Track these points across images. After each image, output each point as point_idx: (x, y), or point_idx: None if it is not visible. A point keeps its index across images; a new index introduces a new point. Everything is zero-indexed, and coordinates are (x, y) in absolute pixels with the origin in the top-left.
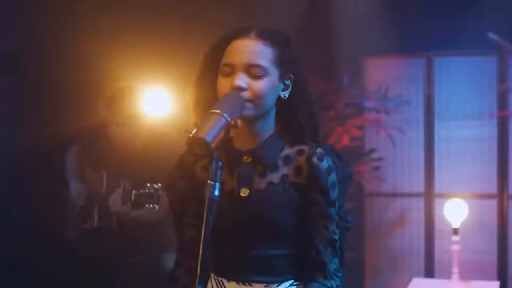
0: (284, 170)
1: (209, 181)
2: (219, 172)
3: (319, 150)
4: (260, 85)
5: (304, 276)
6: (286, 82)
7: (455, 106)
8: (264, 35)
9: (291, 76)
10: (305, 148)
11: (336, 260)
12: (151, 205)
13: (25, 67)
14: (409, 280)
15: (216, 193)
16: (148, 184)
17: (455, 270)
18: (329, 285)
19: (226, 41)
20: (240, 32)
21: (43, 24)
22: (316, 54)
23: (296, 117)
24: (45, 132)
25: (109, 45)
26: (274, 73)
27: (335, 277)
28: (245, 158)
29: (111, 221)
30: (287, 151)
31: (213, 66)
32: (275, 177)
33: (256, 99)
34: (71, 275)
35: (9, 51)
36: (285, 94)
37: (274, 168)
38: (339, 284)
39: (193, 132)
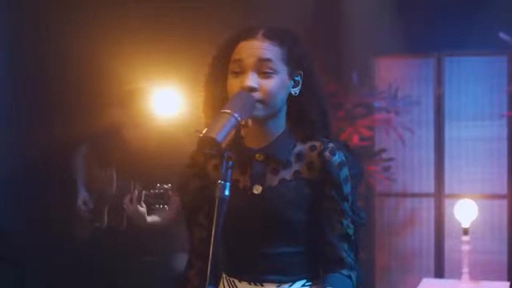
0: (297, 166)
1: (219, 181)
2: (229, 171)
3: (331, 145)
4: (270, 84)
5: (317, 276)
6: (296, 78)
7: (465, 106)
8: (271, 35)
9: (301, 72)
10: (317, 143)
11: (352, 255)
12: (161, 206)
13: (35, 68)
14: (419, 280)
15: (227, 193)
16: (158, 185)
17: (465, 270)
18: (346, 273)
19: (234, 42)
20: (247, 33)
21: (53, 25)
22: (326, 53)
23: (307, 113)
24: (55, 133)
25: (118, 47)
26: (283, 71)
27: (353, 269)
28: (257, 156)
29: (121, 221)
30: (299, 147)
31: (222, 68)
32: (287, 174)
33: (266, 99)
34: (80, 275)
35: (19, 53)
36: (296, 91)
37: (287, 165)
38: (359, 276)
39: (204, 131)
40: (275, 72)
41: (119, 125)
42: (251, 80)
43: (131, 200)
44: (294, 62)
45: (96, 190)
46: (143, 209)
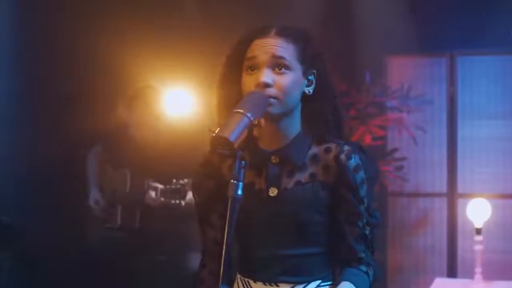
0: (312, 169)
1: (232, 181)
2: (242, 171)
3: (346, 148)
4: (285, 80)
5: (332, 277)
6: (310, 77)
7: (478, 105)
8: (285, 33)
9: (314, 71)
10: (333, 146)
11: (369, 254)
12: (177, 201)
13: (48, 69)
14: (432, 280)
15: (239, 192)
16: (174, 180)
17: (478, 270)
18: (364, 270)
19: (247, 41)
20: (261, 32)
21: (64, 25)
22: (338, 53)
23: (322, 113)
24: (68, 133)
25: (130, 47)
26: (297, 68)
27: (370, 266)
28: (273, 158)
29: (134, 220)
30: (315, 149)
31: (236, 66)
32: (303, 176)
33: (281, 95)
34: (94, 274)
35: (32, 53)
36: (310, 90)
37: (302, 167)
38: (376, 273)
39: (216, 131)
40: (289, 69)
41: (130, 125)
42: (266, 76)
43: (154, 196)
44: (308, 61)
45: (110, 189)
46: (167, 200)
